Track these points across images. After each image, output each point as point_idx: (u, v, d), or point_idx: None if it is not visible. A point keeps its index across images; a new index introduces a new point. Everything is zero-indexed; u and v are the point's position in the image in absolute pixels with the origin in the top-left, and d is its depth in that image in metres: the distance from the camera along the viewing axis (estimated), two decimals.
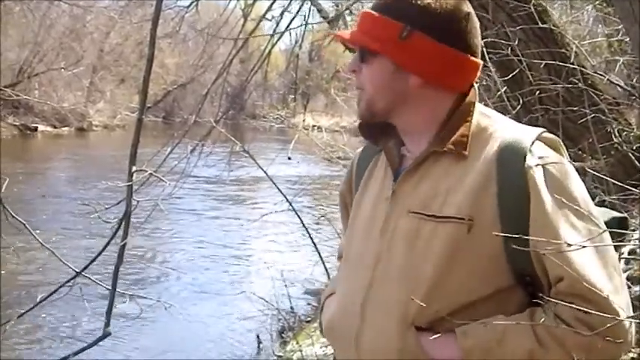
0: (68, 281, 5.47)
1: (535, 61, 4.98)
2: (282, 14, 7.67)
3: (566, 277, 1.77)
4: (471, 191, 1.84)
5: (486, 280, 1.84)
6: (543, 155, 1.85)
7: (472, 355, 1.81)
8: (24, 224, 5.26)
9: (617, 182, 3.57)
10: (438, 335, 1.82)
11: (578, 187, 1.85)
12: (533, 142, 1.85)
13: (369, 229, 2.00)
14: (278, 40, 7.55)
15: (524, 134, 1.88)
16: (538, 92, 5.01)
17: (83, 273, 5.38)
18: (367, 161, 2.15)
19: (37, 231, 6.13)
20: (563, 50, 5.19)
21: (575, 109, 4.89)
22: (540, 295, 1.82)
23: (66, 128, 38.15)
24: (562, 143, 1.94)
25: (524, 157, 1.82)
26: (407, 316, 1.86)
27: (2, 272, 10.39)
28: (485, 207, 1.82)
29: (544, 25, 5.12)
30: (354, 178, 2.21)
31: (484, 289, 1.84)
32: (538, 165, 1.82)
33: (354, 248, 2.07)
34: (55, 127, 37.50)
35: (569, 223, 1.80)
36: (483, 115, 1.97)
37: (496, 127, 1.93)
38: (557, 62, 4.98)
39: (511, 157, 1.84)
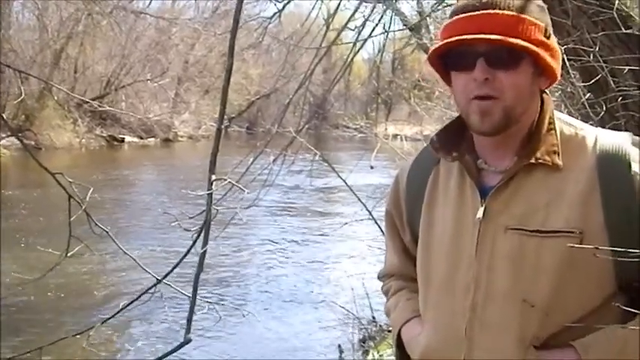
0: (150, 288, 5.53)
1: (619, 66, 4.87)
2: (364, 23, 7.65)
3: None
4: (575, 203, 1.80)
5: (596, 290, 1.81)
6: None
7: None
8: (106, 231, 5.34)
9: None
10: (556, 350, 1.80)
11: None
12: (631, 149, 1.83)
13: (456, 250, 1.93)
14: (360, 48, 7.49)
15: (618, 141, 1.85)
16: (622, 98, 4.89)
17: (164, 281, 5.43)
18: (421, 178, 2.08)
19: (124, 244, 6.22)
20: None
21: None
22: None
23: (152, 139, 38.95)
24: None
25: (629, 165, 1.80)
26: (525, 334, 1.81)
27: (85, 278, 10.66)
28: (592, 218, 1.79)
29: (628, 31, 5.01)
30: (403, 196, 2.15)
31: (595, 299, 1.81)
32: None
33: (438, 272, 1.98)
34: (141, 138, 38.33)
35: None
36: (566, 124, 1.93)
37: (582, 134, 1.89)
38: None
39: (614, 166, 1.81)
